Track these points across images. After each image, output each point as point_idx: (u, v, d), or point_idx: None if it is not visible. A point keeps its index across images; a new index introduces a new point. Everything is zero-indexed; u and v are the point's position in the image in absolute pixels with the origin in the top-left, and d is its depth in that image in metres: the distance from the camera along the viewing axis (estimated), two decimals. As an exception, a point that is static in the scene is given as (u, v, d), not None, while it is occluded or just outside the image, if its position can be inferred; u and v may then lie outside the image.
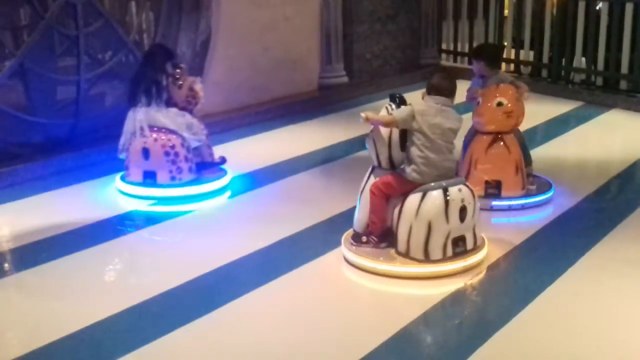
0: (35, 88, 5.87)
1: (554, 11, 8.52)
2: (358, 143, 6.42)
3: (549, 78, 8.57)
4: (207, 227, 4.68)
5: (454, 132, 3.93)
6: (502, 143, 4.74)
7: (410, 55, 9.36)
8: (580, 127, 7.02)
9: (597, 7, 7.96)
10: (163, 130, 5.09)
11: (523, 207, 4.75)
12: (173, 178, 5.11)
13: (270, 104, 7.53)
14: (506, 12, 9.33)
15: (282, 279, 3.84)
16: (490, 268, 3.92)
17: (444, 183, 3.83)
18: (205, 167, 5.35)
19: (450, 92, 3.97)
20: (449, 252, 3.82)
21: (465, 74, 9.28)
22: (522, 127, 6.66)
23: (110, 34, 6.28)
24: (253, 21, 7.34)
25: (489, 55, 5.11)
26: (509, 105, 4.67)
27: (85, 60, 6.03)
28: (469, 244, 3.90)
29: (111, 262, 4.22)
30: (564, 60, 8.40)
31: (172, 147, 5.08)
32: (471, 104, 4.97)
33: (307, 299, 3.67)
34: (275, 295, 3.69)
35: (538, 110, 7.43)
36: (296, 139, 6.73)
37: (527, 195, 4.83)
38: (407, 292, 3.71)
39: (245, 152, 6.27)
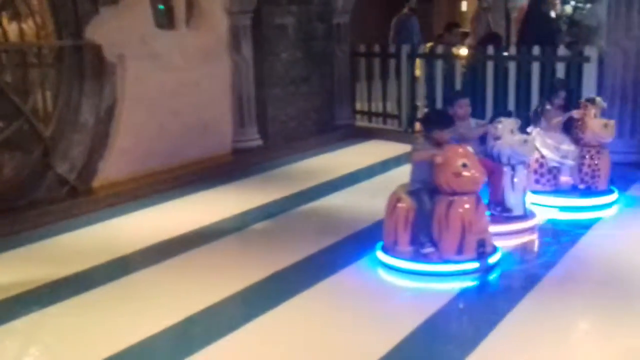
0: None
1: (464, 70, 8.66)
2: (275, 207, 6.25)
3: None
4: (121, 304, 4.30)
5: None
6: (482, 200, 4.65)
7: (325, 117, 9.30)
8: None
9: (505, 54, 8.15)
10: None
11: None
12: None
13: (182, 170, 7.23)
14: (418, 72, 9.44)
15: (198, 355, 3.58)
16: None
17: None
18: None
19: None
20: None
21: (379, 134, 9.33)
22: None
23: (5, 103, 5.90)
24: (161, 86, 7.10)
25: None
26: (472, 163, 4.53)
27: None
28: None
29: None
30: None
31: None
32: None
33: None
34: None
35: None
36: (209, 205, 6.44)
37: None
38: None
39: (155, 222, 5.94)
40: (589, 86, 7.30)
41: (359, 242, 5.28)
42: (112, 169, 6.67)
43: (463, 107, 5.56)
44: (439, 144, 4.64)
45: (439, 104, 8.85)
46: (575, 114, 5.91)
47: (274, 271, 4.69)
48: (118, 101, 6.71)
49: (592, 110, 5.89)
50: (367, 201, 6.34)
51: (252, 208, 6.25)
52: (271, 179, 7.40)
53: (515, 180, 5.34)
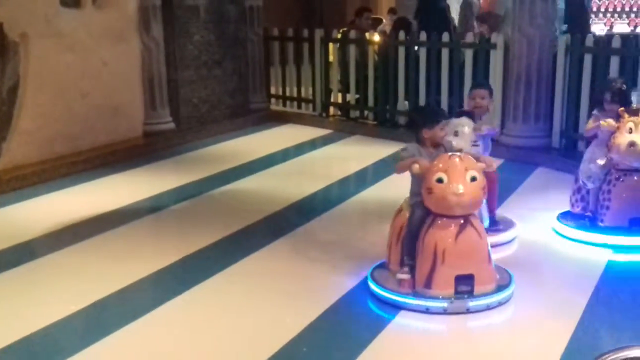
0: None
1: (376, 56, 8.77)
2: (187, 190, 6.18)
3: (374, 121, 8.77)
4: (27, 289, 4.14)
5: None
6: (471, 226, 3.73)
7: (239, 101, 9.24)
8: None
9: (416, 48, 8.27)
10: None
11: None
12: None
13: (90, 153, 7.01)
14: (331, 57, 9.50)
15: (109, 338, 3.50)
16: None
17: None
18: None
19: None
20: None
21: (294, 119, 9.35)
22: (352, 170, 6.84)
23: None
24: (67, 67, 6.87)
25: None
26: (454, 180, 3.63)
27: None
28: None
29: None
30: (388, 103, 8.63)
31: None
32: None
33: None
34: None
35: (367, 153, 7.54)
36: (119, 189, 6.29)
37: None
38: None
39: (60, 206, 5.75)
40: (495, 72, 7.54)
41: (272, 225, 5.30)
42: (16, 151, 6.41)
43: (476, 98, 4.59)
44: (436, 145, 3.87)
45: (352, 88, 8.96)
46: (604, 125, 4.54)
47: (187, 254, 4.63)
48: (21, 81, 6.44)
49: (628, 124, 4.48)
50: (281, 184, 6.37)
51: (165, 191, 6.15)
52: (184, 163, 7.31)
53: None
